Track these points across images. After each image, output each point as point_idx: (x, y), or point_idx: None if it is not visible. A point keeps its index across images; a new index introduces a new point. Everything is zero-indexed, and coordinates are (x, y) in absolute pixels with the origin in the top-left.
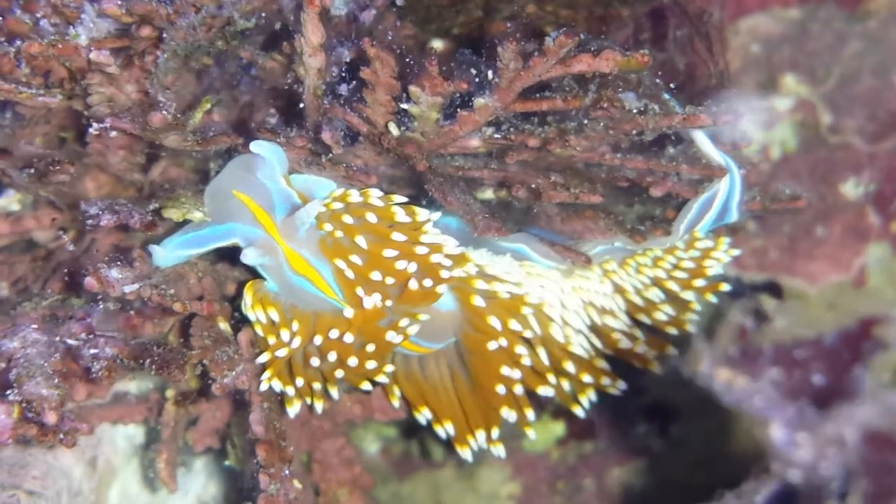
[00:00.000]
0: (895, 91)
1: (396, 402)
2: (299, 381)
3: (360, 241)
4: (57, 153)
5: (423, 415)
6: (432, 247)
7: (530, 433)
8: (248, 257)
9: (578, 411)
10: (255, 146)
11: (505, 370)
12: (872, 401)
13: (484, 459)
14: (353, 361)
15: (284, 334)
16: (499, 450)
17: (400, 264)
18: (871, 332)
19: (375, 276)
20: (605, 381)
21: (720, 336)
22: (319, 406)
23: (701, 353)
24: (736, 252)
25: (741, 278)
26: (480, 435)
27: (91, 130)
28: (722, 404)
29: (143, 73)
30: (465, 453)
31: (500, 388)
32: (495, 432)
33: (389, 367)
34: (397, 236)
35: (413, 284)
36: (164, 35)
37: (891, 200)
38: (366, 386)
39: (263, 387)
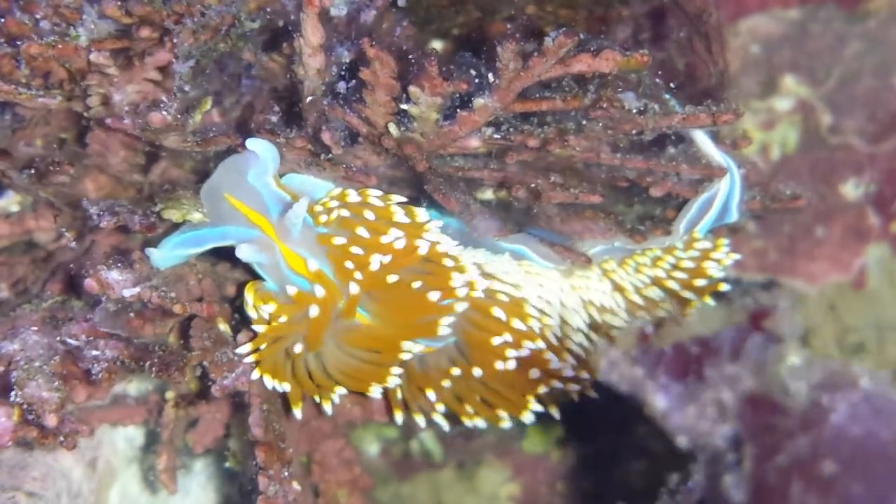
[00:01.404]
0: (895, 92)
1: (399, 415)
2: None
3: (362, 231)
4: (57, 154)
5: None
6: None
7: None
8: (243, 251)
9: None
10: (250, 143)
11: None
12: (749, 366)
13: (484, 460)
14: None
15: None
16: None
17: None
18: (761, 324)
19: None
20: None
21: (621, 339)
22: (328, 407)
23: (602, 351)
24: (736, 256)
25: (741, 279)
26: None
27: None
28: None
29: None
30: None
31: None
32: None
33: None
34: (395, 232)
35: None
36: (176, 41)
37: (891, 201)
38: (374, 392)
39: (255, 376)
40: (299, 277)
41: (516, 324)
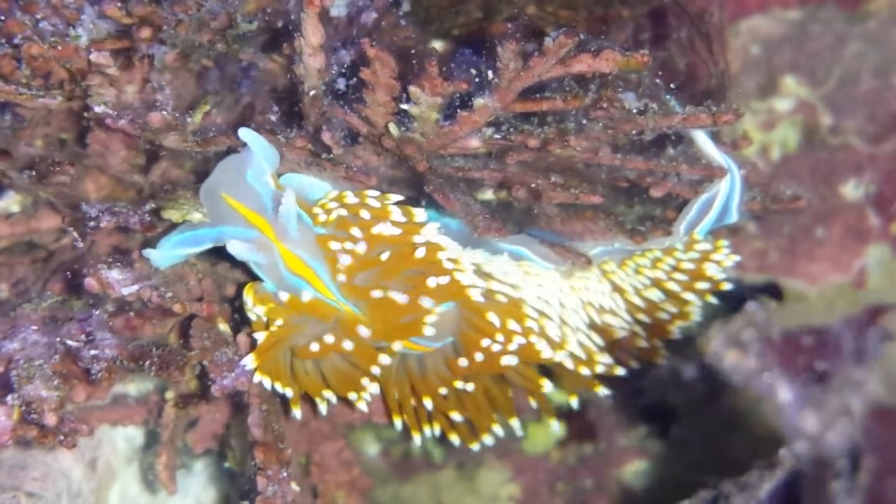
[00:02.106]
0: (895, 92)
1: (398, 421)
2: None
3: (356, 232)
4: (57, 154)
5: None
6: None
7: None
8: (234, 247)
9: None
10: (242, 133)
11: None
12: (878, 375)
13: (484, 461)
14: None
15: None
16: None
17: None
18: (878, 320)
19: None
20: (600, 367)
21: (733, 321)
22: (323, 407)
23: (713, 334)
24: (736, 258)
25: (741, 280)
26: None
27: (96, 109)
28: (730, 386)
29: (145, 73)
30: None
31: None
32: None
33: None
34: (390, 228)
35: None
36: (165, 28)
37: (891, 202)
38: (362, 402)
39: (255, 378)
40: (297, 278)
41: (512, 325)
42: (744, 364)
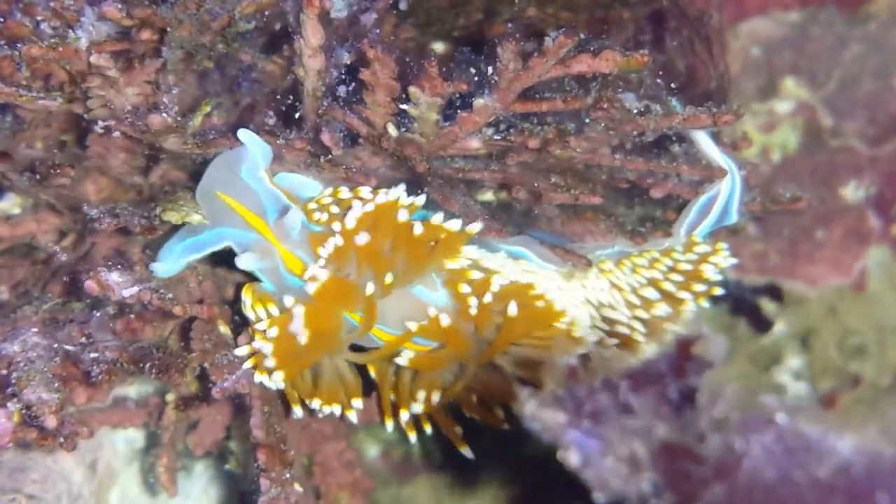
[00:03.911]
0: (895, 94)
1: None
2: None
3: (336, 226)
4: (57, 156)
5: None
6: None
7: None
8: (244, 262)
9: None
10: (241, 134)
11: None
12: (648, 413)
13: (484, 462)
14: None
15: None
16: None
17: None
18: (690, 352)
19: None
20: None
21: (545, 379)
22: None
23: (525, 398)
24: (734, 260)
25: (741, 282)
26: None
27: (96, 128)
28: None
29: (145, 75)
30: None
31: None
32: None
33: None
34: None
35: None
36: (168, 29)
37: (891, 203)
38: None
39: (257, 378)
40: (296, 278)
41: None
42: (552, 419)
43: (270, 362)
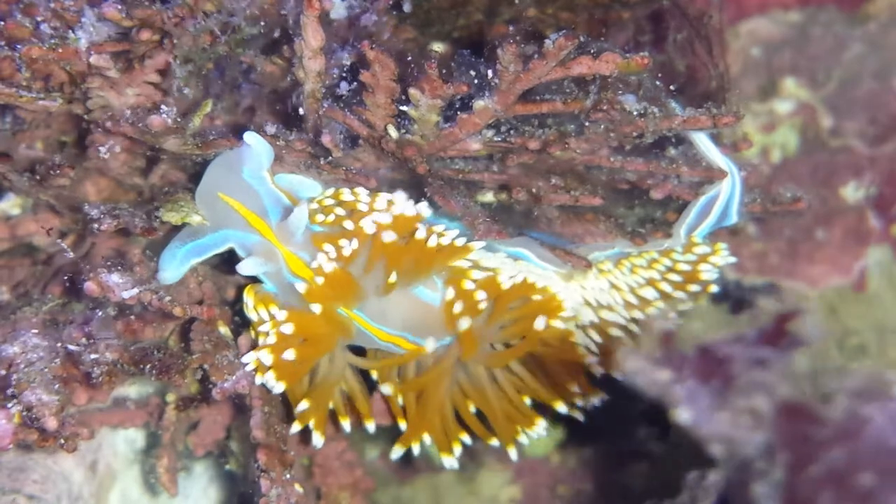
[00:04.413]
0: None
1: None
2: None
3: (348, 224)
4: (57, 157)
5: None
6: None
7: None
8: (246, 268)
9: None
10: (247, 136)
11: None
12: (781, 374)
13: (484, 463)
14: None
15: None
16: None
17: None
18: (786, 328)
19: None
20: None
21: (643, 340)
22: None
23: (625, 354)
24: (733, 259)
25: (741, 282)
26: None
27: (102, 152)
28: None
29: (145, 76)
30: (449, 461)
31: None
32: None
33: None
34: (380, 215)
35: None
36: (175, 41)
37: (891, 204)
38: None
39: (258, 380)
40: (298, 279)
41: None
42: (658, 376)
43: (271, 373)
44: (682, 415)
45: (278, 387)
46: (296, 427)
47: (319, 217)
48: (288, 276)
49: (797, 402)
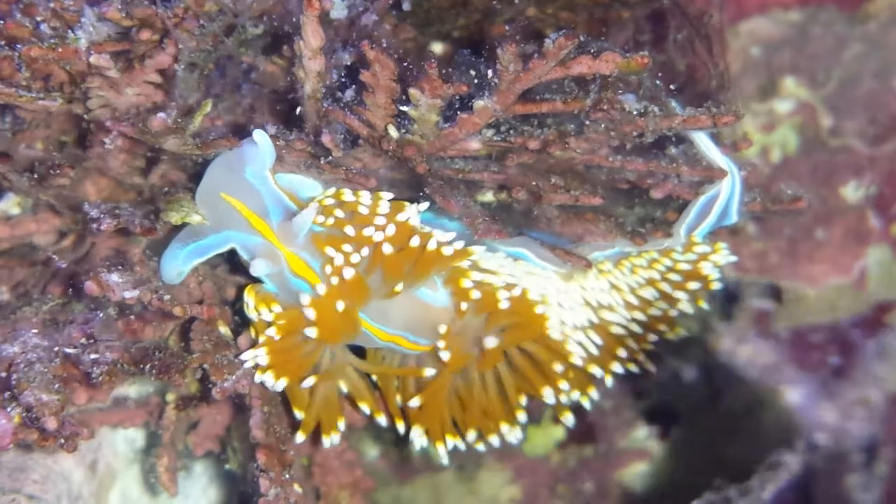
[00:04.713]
0: (895, 94)
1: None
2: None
3: (349, 230)
4: (57, 157)
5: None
6: (423, 235)
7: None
8: (258, 269)
9: (568, 418)
10: (257, 134)
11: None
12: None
13: (484, 463)
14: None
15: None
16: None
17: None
18: (884, 318)
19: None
20: (594, 369)
21: (738, 318)
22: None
23: (721, 332)
24: (733, 258)
25: (741, 281)
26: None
27: (107, 144)
28: (741, 381)
29: (145, 76)
30: (441, 452)
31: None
32: (496, 436)
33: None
34: (380, 220)
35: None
36: (180, 46)
37: (891, 203)
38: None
39: (257, 378)
40: (299, 279)
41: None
42: (758, 359)
43: (269, 371)
44: (792, 397)
45: (279, 384)
46: (300, 437)
47: (319, 218)
48: (289, 277)
49: None
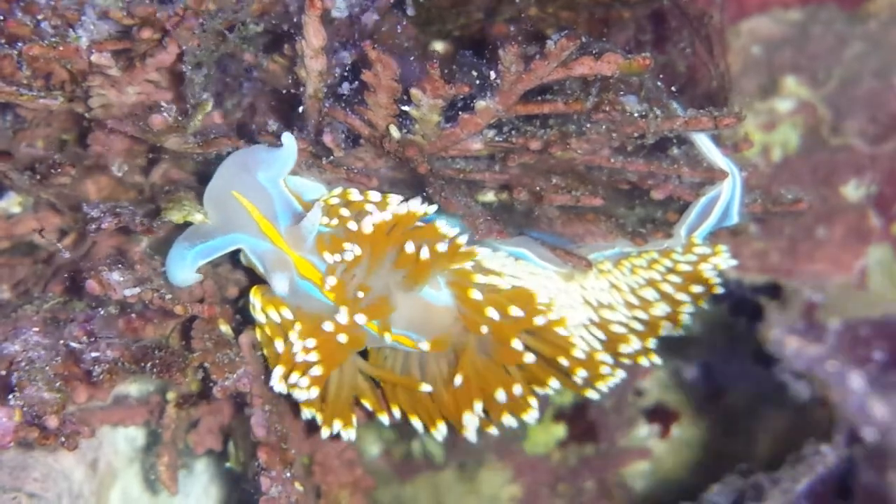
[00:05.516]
0: None
1: (396, 411)
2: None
3: (352, 226)
4: (58, 155)
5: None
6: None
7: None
8: (280, 287)
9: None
10: (286, 138)
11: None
12: None
13: (485, 461)
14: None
15: (292, 335)
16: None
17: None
18: None
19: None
20: (605, 370)
21: (790, 308)
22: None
23: (773, 321)
24: (734, 262)
25: (742, 280)
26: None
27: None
28: (790, 370)
29: (146, 74)
30: (469, 434)
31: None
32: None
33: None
34: (385, 215)
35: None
36: (184, 47)
37: (892, 202)
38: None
39: (277, 388)
40: (306, 282)
41: (514, 311)
42: (807, 351)
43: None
44: (837, 393)
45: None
46: (326, 431)
47: (324, 219)
48: (297, 280)
49: None
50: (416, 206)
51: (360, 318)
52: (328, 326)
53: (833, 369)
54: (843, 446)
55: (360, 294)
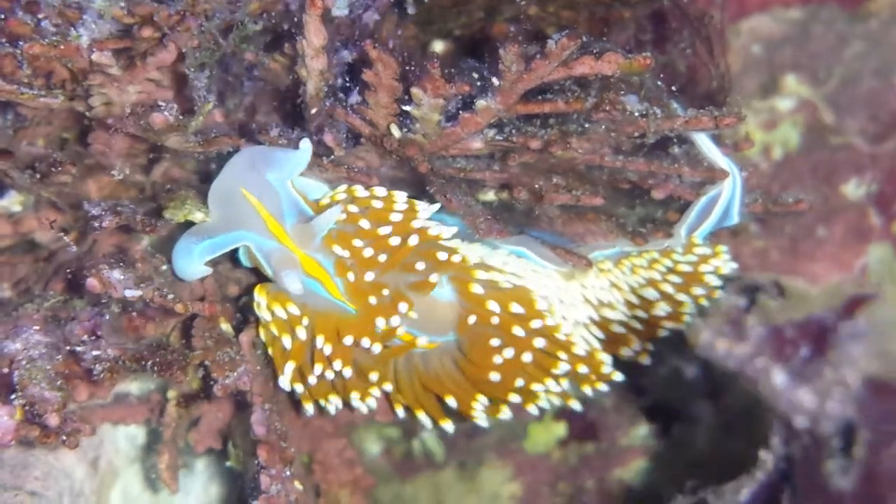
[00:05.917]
0: None
1: (400, 410)
2: (312, 380)
3: (364, 223)
4: (59, 154)
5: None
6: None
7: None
8: (294, 287)
9: (576, 405)
10: (303, 144)
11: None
12: (871, 350)
13: (485, 460)
14: (348, 372)
15: (300, 332)
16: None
17: (394, 240)
18: (855, 312)
19: (368, 251)
20: (606, 369)
21: (714, 315)
22: (332, 408)
23: (699, 327)
24: (734, 265)
25: (742, 279)
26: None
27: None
28: (727, 374)
29: (147, 73)
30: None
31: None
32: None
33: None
34: (395, 216)
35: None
36: (185, 50)
37: (892, 201)
38: (370, 401)
39: (285, 386)
40: (312, 280)
41: (514, 307)
42: (735, 350)
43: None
44: (776, 380)
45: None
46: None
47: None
48: (304, 279)
49: (886, 379)
50: (445, 230)
51: (380, 322)
52: (348, 341)
53: (761, 365)
54: (781, 447)
55: (374, 300)
